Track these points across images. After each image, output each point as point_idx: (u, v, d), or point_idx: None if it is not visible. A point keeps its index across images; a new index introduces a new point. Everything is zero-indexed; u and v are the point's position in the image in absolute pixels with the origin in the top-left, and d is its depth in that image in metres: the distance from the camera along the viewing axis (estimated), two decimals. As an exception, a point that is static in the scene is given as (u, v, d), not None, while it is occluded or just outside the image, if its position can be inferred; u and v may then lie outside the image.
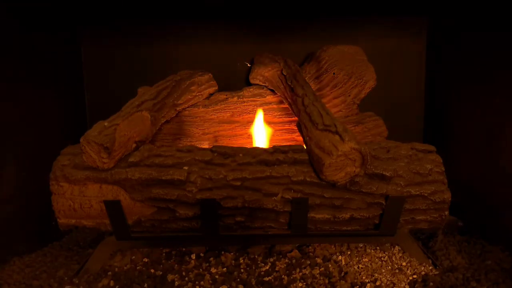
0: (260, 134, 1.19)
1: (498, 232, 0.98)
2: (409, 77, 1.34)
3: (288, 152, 0.90)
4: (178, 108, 1.17)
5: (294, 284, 0.82)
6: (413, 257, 0.92)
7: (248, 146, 1.10)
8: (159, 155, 0.90)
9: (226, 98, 1.24)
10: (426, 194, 0.89)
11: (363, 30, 1.32)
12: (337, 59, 1.23)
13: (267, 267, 0.89)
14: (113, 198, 0.88)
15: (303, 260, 0.91)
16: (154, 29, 1.31)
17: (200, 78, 1.21)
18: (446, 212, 0.92)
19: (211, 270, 0.88)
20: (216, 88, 1.26)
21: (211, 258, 0.93)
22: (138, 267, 0.90)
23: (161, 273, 0.87)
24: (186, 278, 0.85)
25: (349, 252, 0.95)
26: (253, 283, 0.83)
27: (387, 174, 0.88)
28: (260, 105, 1.23)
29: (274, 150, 0.91)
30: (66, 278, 0.86)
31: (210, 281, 0.83)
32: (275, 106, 1.24)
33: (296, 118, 1.13)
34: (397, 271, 0.87)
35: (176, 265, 0.90)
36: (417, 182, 0.90)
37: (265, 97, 1.24)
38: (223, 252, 0.94)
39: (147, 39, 1.31)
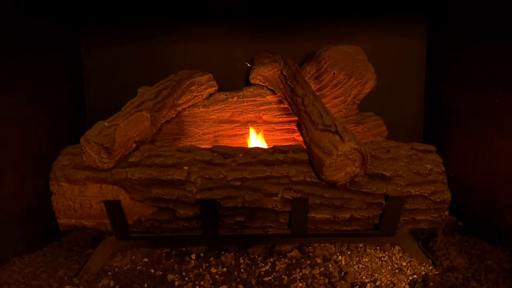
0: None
1: (498, 232, 0.98)
2: (409, 77, 1.34)
3: (288, 152, 0.90)
4: (178, 108, 1.17)
5: (294, 284, 0.82)
6: (413, 257, 0.92)
7: (248, 146, 1.10)
8: (159, 155, 0.90)
9: (226, 98, 1.24)
10: (426, 194, 0.89)
11: (363, 30, 1.32)
12: (337, 59, 1.23)
13: (267, 267, 0.89)
14: (113, 198, 0.88)
15: (303, 260, 0.91)
16: (154, 29, 1.31)
17: (200, 78, 1.21)
18: (446, 212, 0.92)
19: (211, 270, 0.88)
20: (216, 88, 1.26)
21: (211, 258, 0.93)
22: (138, 267, 0.90)
23: (161, 273, 0.87)
24: (186, 278, 0.85)
25: (349, 252, 0.95)
26: (253, 283, 0.83)
27: (387, 174, 0.88)
28: (260, 105, 1.23)
29: (274, 150, 0.91)
30: (66, 278, 0.86)
31: (210, 281, 0.83)
32: (275, 106, 1.24)
33: (296, 118, 1.13)
34: (397, 271, 0.87)
35: (176, 265, 0.90)
36: (417, 182, 0.90)
37: (265, 97, 1.24)
38: (223, 252, 0.94)
39: (147, 39, 1.31)
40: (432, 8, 1.28)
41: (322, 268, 0.87)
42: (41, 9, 1.11)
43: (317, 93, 1.19)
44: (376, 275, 0.86)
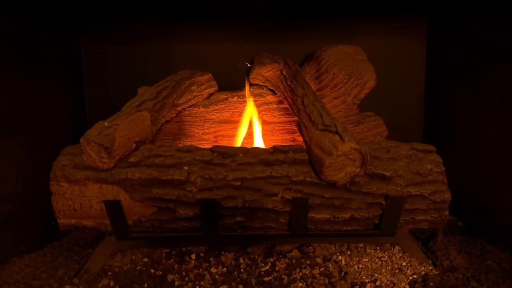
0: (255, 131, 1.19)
1: (498, 232, 0.98)
2: (409, 77, 1.34)
3: (288, 152, 0.90)
4: (178, 108, 1.17)
5: (294, 284, 0.82)
6: (413, 257, 0.92)
7: (248, 146, 1.10)
8: (159, 155, 0.90)
9: (226, 98, 1.24)
10: (426, 194, 0.89)
11: (363, 30, 1.32)
12: (337, 59, 1.23)
13: (267, 267, 0.89)
14: (113, 198, 0.88)
15: (303, 260, 0.91)
16: (154, 29, 1.31)
17: (200, 78, 1.21)
18: (446, 212, 0.92)
19: (211, 270, 0.88)
20: (216, 88, 1.26)
21: (211, 258, 0.93)
22: (138, 267, 0.90)
23: (161, 273, 0.87)
24: (186, 278, 0.85)
25: (349, 252, 0.95)
26: (253, 283, 0.83)
27: (387, 174, 0.88)
28: (260, 105, 1.23)
29: (274, 150, 0.91)
30: (66, 278, 0.86)
31: (210, 281, 0.83)
32: (275, 106, 1.24)
33: (296, 118, 1.13)
34: (397, 271, 0.88)
35: (176, 265, 0.90)
36: (417, 182, 0.90)
37: (265, 97, 1.24)
38: (223, 252, 0.94)
39: (147, 39, 1.31)
40: (432, 8, 1.28)
41: (322, 268, 0.87)
42: (41, 9, 1.11)
43: (317, 93, 1.19)
44: (376, 275, 0.86)
